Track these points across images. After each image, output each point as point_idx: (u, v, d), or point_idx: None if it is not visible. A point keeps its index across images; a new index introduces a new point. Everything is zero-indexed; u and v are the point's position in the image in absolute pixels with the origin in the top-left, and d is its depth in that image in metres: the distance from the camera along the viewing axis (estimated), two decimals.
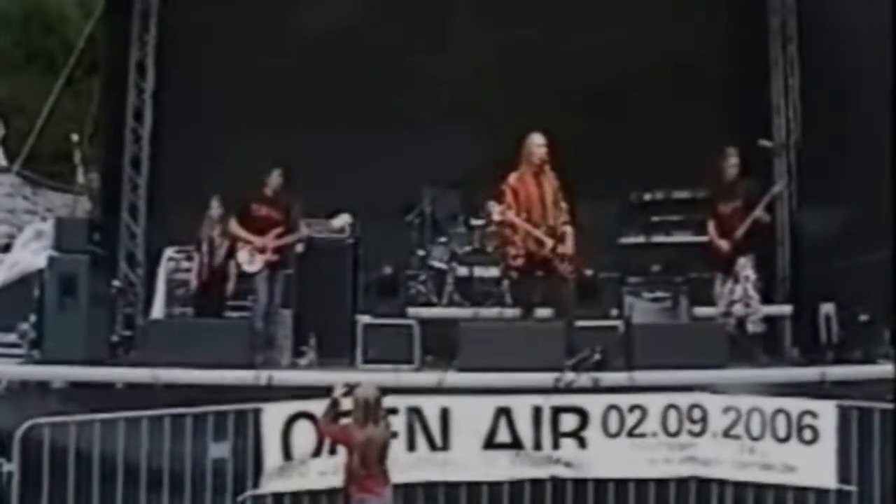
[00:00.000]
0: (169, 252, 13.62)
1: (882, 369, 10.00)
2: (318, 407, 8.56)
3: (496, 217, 10.64)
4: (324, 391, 8.47)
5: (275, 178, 11.79)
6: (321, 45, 14.61)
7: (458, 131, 14.28)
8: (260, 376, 9.67)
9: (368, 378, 9.05)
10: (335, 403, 8.13)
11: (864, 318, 11.08)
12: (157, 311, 13.41)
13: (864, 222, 12.09)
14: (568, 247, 10.60)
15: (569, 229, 10.70)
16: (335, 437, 8.30)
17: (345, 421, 8.08)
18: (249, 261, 11.63)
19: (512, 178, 10.67)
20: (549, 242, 10.47)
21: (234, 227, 11.83)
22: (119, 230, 14.77)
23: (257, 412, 8.97)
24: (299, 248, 12.10)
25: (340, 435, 8.11)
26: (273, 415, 8.99)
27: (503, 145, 11.06)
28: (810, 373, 10.01)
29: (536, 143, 10.66)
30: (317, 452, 8.96)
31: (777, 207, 13.62)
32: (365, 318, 11.34)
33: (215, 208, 12.34)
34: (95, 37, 15.34)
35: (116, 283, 13.20)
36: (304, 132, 14.03)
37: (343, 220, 11.74)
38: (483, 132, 13.83)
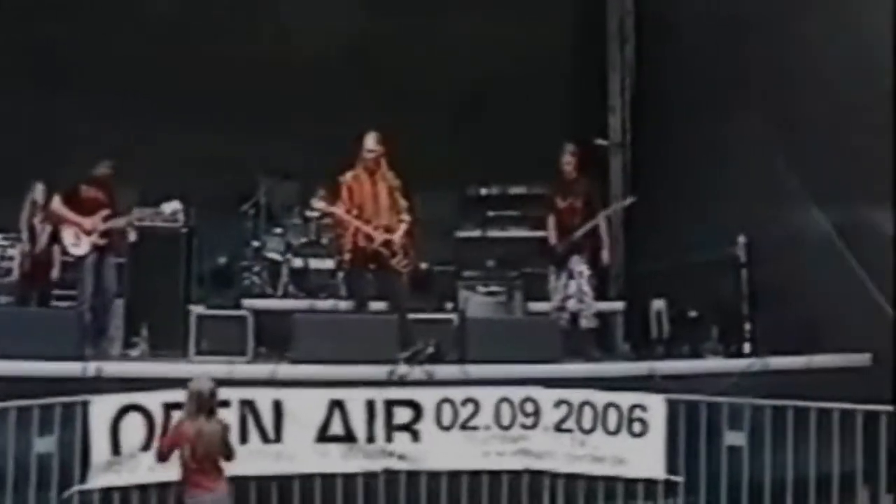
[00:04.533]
0: None
1: (708, 364, 10.32)
2: (148, 399, 8.40)
3: (318, 212, 10.67)
4: (155, 383, 8.30)
5: (102, 169, 11.33)
6: (157, 31, 14.33)
7: (296, 122, 14.18)
8: (88, 368, 9.37)
9: (201, 370, 8.90)
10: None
11: (692, 314, 11.42)
12: None
13: (695, 221, 12.42)
14: (396, 237, 10.67)
15: (403, 225, 10.78)
16: (169, 444, 8.01)
17: (176, 414, 7.91)
18: (75, 243, 11.08)
19: (348, 175, 10.78)
20: (379, 238, 10.56)
21: (58, 205, 11.22)
22: None
23: (85, 405, 8.73)
24: (132, 236, 11.84)
25: (172, 440, 7.88)
26: (101, 407, 8.74)
27: (342, 137, 11.06)
28: (640, 367, 10.24)
29: (368, 146, 10.76)
30: (147, 446, 8.74)
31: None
32: (198, 309, 11.14)
33: (39, 192, 11.96)
34: None
35: None
36: (136, 119, 13.74)
37: (173, 206, 11.40)
38: (322, 123, 13.76)
